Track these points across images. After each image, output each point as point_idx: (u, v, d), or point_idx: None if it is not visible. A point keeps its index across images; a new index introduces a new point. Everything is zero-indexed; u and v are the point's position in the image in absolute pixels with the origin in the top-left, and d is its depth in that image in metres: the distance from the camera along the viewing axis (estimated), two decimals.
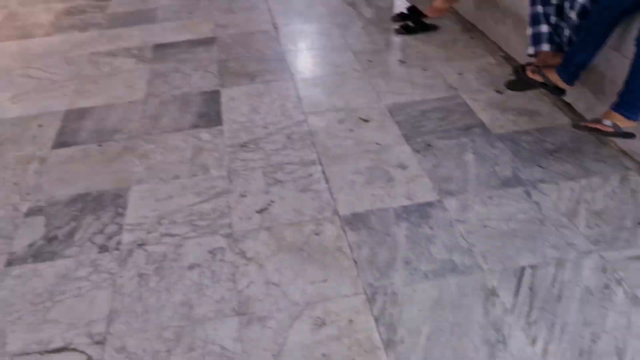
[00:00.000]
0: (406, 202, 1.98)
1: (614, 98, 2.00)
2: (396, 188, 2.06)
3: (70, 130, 2.55)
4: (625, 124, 1.97)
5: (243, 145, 2.36)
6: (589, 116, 2.32)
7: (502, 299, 1.60)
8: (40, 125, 2.60)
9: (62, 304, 1.67)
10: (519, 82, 2.40)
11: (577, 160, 2.14)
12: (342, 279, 1.69)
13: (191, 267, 1.77)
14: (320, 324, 1.56)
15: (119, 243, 1.88)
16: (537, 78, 2.28)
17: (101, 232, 1.93)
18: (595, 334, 1.49)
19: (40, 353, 1.54)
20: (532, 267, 1.70)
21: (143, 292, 1.69)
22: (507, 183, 2.05)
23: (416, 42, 3.22)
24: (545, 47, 2.27)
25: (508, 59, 2.94)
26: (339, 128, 2.44)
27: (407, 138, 2.34)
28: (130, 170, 2.25)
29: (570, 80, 2.20)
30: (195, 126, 2.52)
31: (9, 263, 1.83)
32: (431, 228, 1.86)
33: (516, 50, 2.89)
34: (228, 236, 1.88)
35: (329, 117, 2.52)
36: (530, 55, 2.33)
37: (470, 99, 2.59)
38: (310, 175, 2.15)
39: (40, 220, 2.01)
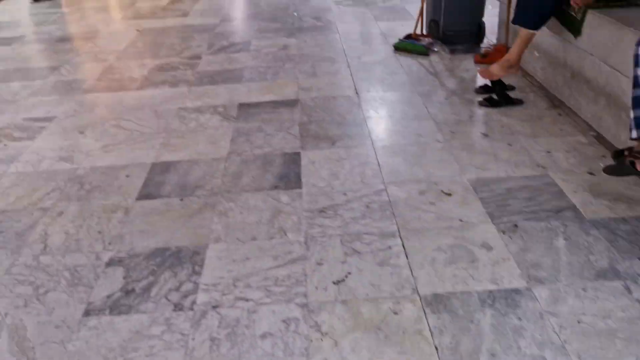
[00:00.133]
0: (491, 287, 1.87)
1: None
2: (480, 270, 1.95)
3: (154, 183, 2.63)
4: None
5: (321, 211, 2.34)
6: None
7: None
8: (127, 176, 2.70)
9: None
10: (619, 167, 2.27)
11: None
12: None
13: (264, 336, 1.72)
14: None
15: (193, 303, 1.87)
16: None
17: (177, 289, 1.93)
18: None
19: None
20: None
21: (214, 358, 1.65)
22: (604, 275, 1.90)
23: (500, 116, 3.15)
24: None
25: (600, 139, 2.81)
26: (420, 200, 2.38)
27: (492, 216, 2.24)
28: (209, 227, 2.27)
29: None
30: (275, 187, 2.53)
31: (87, 313, 1.85)
32: (519, 319, 1.73)
33: (609, 130, 2.76)
34: (303, 306, 1.82)
35: (409, 188, 2.47)
36: (632, 140, 2.21)
37: (560, 180, 2.47)
38: (389, 248, 2.08)
39: (119, 271, 2.04)
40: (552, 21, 3.30)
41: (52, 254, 2.15)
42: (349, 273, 1.96)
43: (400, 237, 2.14)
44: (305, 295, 1.87)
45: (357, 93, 3.58)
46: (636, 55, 2.18)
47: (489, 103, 3.28)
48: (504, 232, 2.13)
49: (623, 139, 2.52)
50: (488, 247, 2.05)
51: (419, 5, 4.44)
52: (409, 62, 4.09)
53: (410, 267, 1.97)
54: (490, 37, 4.46)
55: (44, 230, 2.31)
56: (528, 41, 3.38)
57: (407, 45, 4.32)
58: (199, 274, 2.00)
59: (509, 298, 1.82)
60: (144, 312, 1.84)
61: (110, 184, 2.65)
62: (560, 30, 3.25)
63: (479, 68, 3.80)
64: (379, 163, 2.69)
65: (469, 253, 2.03)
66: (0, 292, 1.96)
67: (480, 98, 3.35)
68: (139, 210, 2.42)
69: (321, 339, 1.69)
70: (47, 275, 2.03)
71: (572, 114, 3.11)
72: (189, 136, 3.10)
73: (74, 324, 1.81)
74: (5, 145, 3.11)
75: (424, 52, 4.21)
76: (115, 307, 1.87)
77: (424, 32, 4.53)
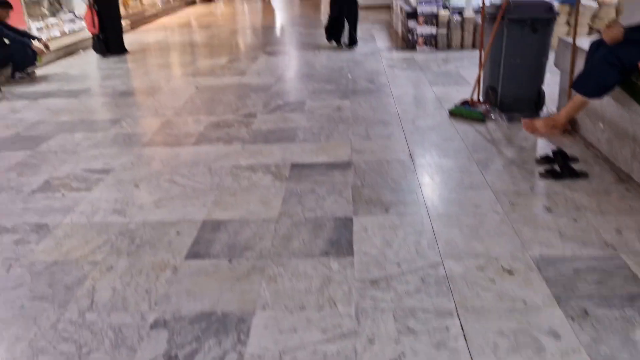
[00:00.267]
0: None
1: None
2: None
3: (204, 241, 2.59)
4: None
5: (374, 282, 2.23)
6: None
7: None
8: (178, 233, 2.69)
9: None
10: None
11: None
12: None
13: None
14: None
15: None
16: None
17: (221, 359, 1.84)
18: None
19: None
20: None
21: None
22: None
23: (563, 189, 3.00)
24: None
25: None
26: (479, 277, 2.24)
27: (559, 300, 2.07)
28: (257, 292, 2.20)
29: None
30: (325, 253, 2.45)
31: None
32: None
33: None
34: None
35: (467, 263, 2.34)
36: None
37: (633, 262, 2.29)
38: (447, 328, 1.94)
39: (163, 334, 1.97)
40: (619, 92, 3.18)
41: (98, 311, 2.12)
42: (403, 354, 1.83)
43: (458, 317, 2.00)
44: None
45: (411, 158, 3.52)
46: None
47: (551, 175, 3.14)
48: (573, 319, 1.96)
49: None
50: (556, 335, 1.88)
51: (476, 71, 4.41)
52: (465, 129, 4.02)
53: (469, 352, 1.82)
54: (550, 106, 4.35)
55: (92, 285, 2.29)
56: (581, 108, 3.27)
57: (463, 111, 4.26)
58: (244, 343, 1.91)
59: None
60: None
61: (160, 240, 2.63)
62: (628, 102, 3.12)
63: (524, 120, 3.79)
64: (434, 233, 2.58)
65: (535, 341, 1.86)
66: (44, 348, 1.93)
67: (541, 169, 3.22)
68: (187, 269, 2.38)
69: None
70: (91, 334, 1.99)
71: None
72: (241, 195, 3.08)
73: None
74: (63, 195, 3.18)
75: (481, 118, 4.13)
76: None
77: (481, 98, 4.47)
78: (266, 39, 8.67)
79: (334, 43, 7.65)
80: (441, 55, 6.78)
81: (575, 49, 3.82)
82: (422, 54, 6.87)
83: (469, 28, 7.03)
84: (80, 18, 8.56)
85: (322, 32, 7.93)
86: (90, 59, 7.52)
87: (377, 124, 4.21)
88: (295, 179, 3.25)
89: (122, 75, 6.43)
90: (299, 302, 2.12)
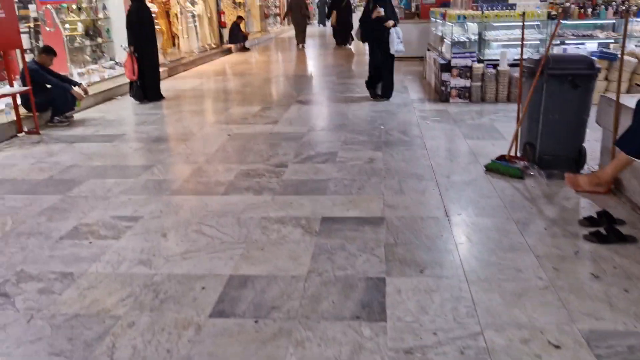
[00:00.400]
0: None
1: None
2: None
3: (230, 299, 2.49)
4: None
5: (408, 352, 2.08)
6: None
7: None
8: (203, 288, 2.59)
9: None
10: None
11: None
12: None
13: None
14: None
15: None
16: None
17: None
18: None
19: None
20: None
21: None
22: None
23: (611, 254, 2.81)
24: None
25: None
26: (523, 351, 2.07)
27: None
28: (283, 358, 2.06)
29: None
30: (356, 317, 2.31)
31: None
32: None
33: None
34: None
35: (509, 334, 2.17)
36: None
37: None
38: None
39: None
40: None
41: None
42: None
43: None
44: None
45: (447, 215, 3.38)
46: None
47: (596, 238, 2.96)
48: None
49: None
50: None
51: (511, 125, 4.30)
52: (503, 185, 3.88)
53: None
54: (592, 164, 4.19)
55: (113, 342, 2.19)
56: (625, 167, 3.12)
57: (500, 167, 4.13)
58: None
59: None
60: None
61: (185, 295, 2.54)
62: None
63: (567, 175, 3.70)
64: (473, 299, 2.42)
65: None
66: None
67: (585, 231, 3.04)
68: (210, 329, 2.27)
69: None
70: None
71: None
72: (269, 249, 2.99)
73: None
74: (90, 243, 3.14)
75: (519, 175, 3.99)
76: None
77: (519, 154, 4.33)
78: (299, 88, 8.75)
79: (372, 92, 7.49)
80: (475, 108, 6.70)
81: (618, 105, 3.69)
82: (456, 106, 6.80)
83: (504, 81, 6.95)
84: (120, 65, 8.83)
85: (355, 82, 7.95)
86: (127, 104, 7.69)
87: (411, 178, 4.11)
88: (325, 234, 3.14)
89: (157, 122, 6.52)
90: None
